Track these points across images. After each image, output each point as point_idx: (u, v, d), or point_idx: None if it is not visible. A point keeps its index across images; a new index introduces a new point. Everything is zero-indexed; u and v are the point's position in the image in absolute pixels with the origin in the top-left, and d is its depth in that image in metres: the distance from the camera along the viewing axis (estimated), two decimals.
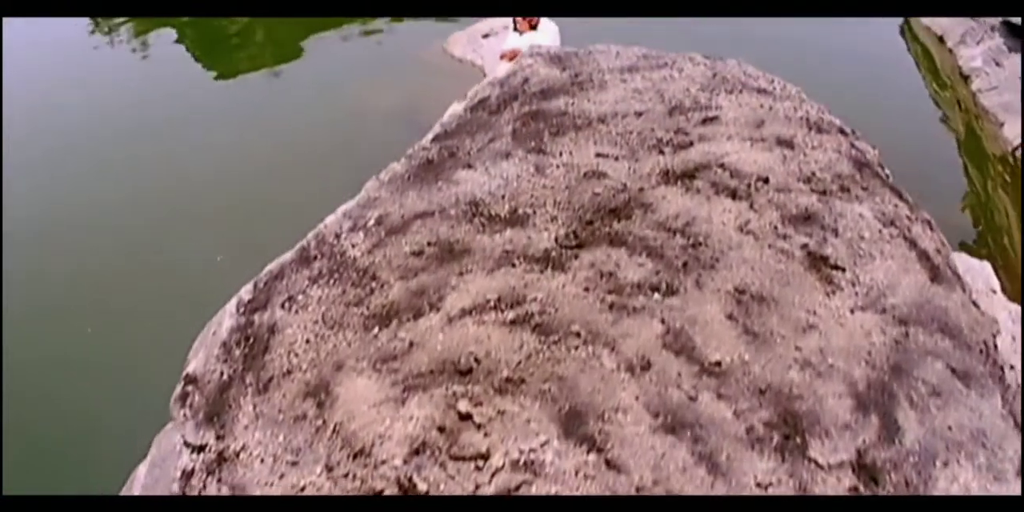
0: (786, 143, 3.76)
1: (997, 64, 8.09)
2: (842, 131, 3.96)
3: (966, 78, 8.23)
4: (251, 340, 3.07)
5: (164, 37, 9.24)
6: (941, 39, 8.73)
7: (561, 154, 3.59)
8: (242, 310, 3.16)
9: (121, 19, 9.36)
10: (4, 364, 5.18)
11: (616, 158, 3.59)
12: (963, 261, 4.86)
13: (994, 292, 4.56)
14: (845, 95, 8.15)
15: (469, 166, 3.55)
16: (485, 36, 7.97)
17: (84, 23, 9.43)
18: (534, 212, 3.29)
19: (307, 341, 2.97)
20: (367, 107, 7.17)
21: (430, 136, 3.88)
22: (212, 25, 9.20)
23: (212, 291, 5.59)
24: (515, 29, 7.10)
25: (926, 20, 9.08)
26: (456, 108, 4.62)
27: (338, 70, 7.96)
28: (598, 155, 3.59)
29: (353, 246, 3.27)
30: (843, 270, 3.16)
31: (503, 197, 3.36)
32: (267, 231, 6.09)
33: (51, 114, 7.48)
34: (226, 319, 3.17)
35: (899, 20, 9.52)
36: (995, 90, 8.07)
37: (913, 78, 8.64)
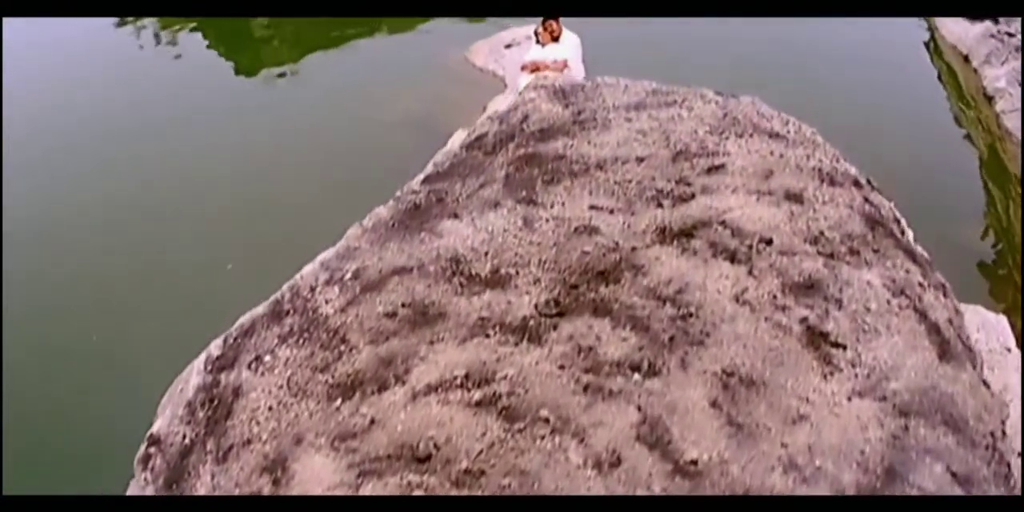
0: (795, 197, 3.42)
1: (1021, 85, 7.58)
2: (856, 183, 3.61)
3: (990, 99, 7.74)
4: (215, 402, 2.88)
5: (190, 34, 8.99)
6: (966, 58, 8.22)
7: (552, 205, 3.31)
8: (209, 368, 2.97)
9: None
10: (4, 365, 5.06)
11: (611, 211, 3.30)
12: (979, 315, 4.50)
13: (1008, 351, 4.21)
14: (868, 112, 7.74)
15: (455, 215, 3.29)
16: (508, 46, 7.63)
17: (102, 21, 9.20)
18: (517, 273, 3.03)
19: (270, 408, 2.77)
20: (385, 113, 6.91)
21: (421, 177, 3.63)
22: (238, 24, 8.95)
23: (219, 293, 5.40)
24: (537, 41, 6.76)
25: (951, 39, 8.57)
26: (457, 139, 4.37)
27: (359, 74, 7.66)
28: (592, 207, 3.30)
29: (327, 302, 3.04)
30: (844, 348, 2.85)
31: (486, 254, 3.10)
32: (275, 237, 5.88)
33: (70, 112, 7.31)
34: (193, 376, 2.99)
35: (925, 36, 8.99)
36: (1018, 111, 7.55)
37: (937, 96, 8.15)
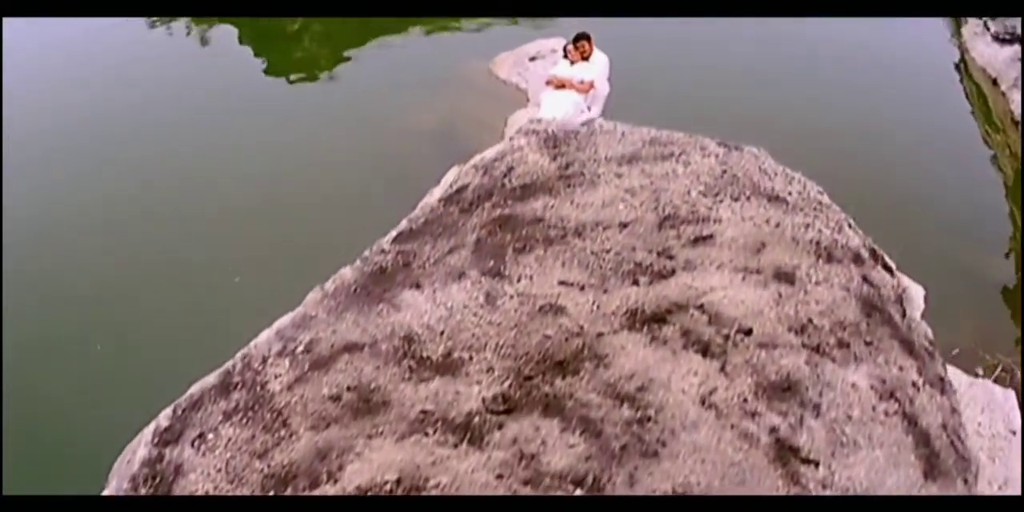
0: (786, 277, 3.01)
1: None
2: (857, 258, 3.16)
3: (1017, 123, 7.01)
4: (157, 479, 2.67)
5: (221, 30, 8.55)
6: (995, 82, 7.50)
7: (520, 279, 2.97)
8: (156, 440, 2.76)
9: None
10: (4, 366, 4.88)
11: (582, 287, 2.94)
12: (985, 391, 4.00)
13: (1014, 433, 3.72)
14: (896, 131, 7.11)
15: (417, 286, 2.98)
16: (532, 59, 7.15)
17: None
18: (470, 358, 2.72)
19: (206, 493, 2.56)
20: (406, 124, 6.54)
21: (393, 234, 3.32)
22: (270, 23, 8.53)
23: (224, 299, 5.12)
24: (565, 56, 6.28)
25: (981, 61, 7.83)
26: (450, 177, 4.04)
27: (383, 79, 7.21)
28: (561, 283, 2.95)
29: (276, 377, 2.79)
30: (816, 465, 2.48)
31: (442, 333, 2.80)
32: (280, 247, 5.56)
33: (74, 112, 6.96)
34: (140, 448, 2.78)
35: (956, 56, 8.21)
36: None
37: (966, 117, 7.43)
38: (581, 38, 6.28)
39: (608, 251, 3.10)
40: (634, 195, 3.35)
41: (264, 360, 2.88)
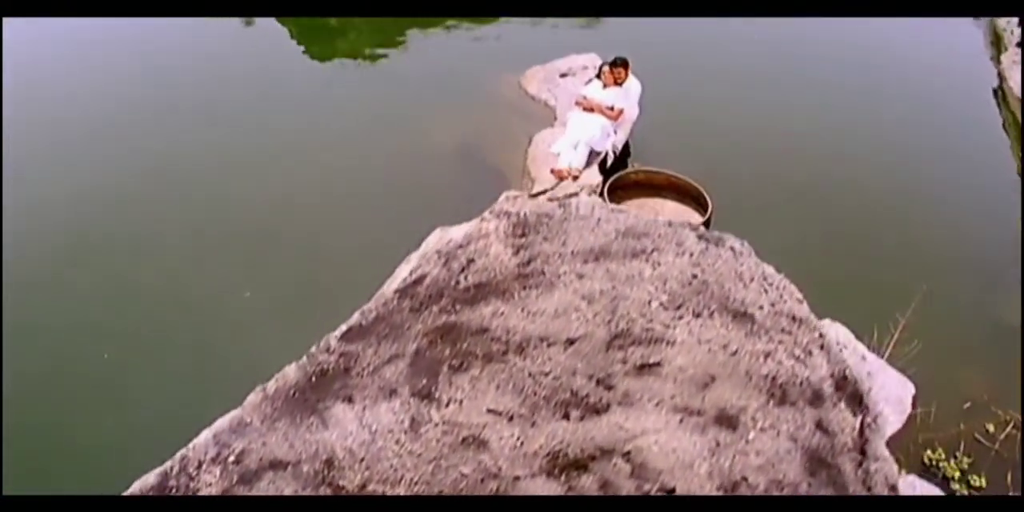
0: (728, 421, 2.65)
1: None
2: (816, 397, 2.75)
3: None
4: None
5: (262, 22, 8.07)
6: None
7: (449, 403, 2.73)
8: None
9: None
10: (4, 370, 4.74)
11: (511, 418, 2.68)
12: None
13: None
14: (930, 155, 6.25)
15: (349, 400, 2.79)
16: (563, 75, 6.48)
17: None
18: (383, 493, 2.55)
19: None
20: (430, 134, 6.12)
21: (344, 328, 3.10)
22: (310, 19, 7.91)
23: (233, 306, 4.90)
24: (598, 77, 5.68)
25: (1017, 91, 6.66)
26: (433, 241, 3.75)
27: (412, 85, 6.69)
28: (490, 411, 2.69)
29: (207, 486, 2.71)
30: None
31: (361, 460, 2.62)
32: (283, 258, 5.26)
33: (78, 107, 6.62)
34: None
35: (995, 82, 6.99)
36: None
37: (1001, 145, 6.38)
38: (619, 63, 5.67)
39: (547, 373, 2.80)
40: (591, 303, 3.00)
41: (199, 465, 2.80)
